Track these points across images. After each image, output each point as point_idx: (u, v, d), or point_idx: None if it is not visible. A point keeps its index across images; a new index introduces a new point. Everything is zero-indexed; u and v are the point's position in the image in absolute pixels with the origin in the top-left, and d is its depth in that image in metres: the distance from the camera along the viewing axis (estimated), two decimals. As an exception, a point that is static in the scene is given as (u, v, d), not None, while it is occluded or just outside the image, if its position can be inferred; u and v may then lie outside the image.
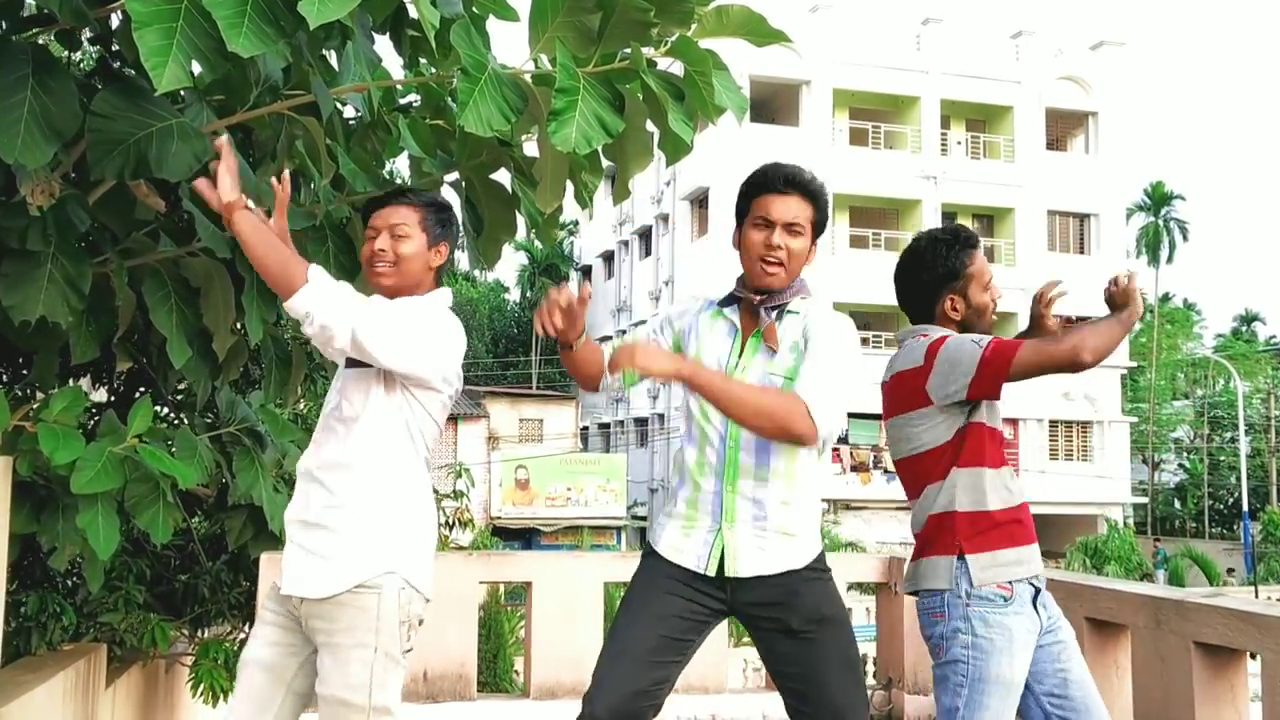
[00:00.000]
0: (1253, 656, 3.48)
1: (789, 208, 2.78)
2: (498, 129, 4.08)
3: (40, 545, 5.38)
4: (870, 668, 11.79)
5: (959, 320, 2.95)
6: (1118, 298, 2.82)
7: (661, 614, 2.68)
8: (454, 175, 5.17)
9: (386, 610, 2.52)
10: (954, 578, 2.73)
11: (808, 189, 2.82)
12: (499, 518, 30.09)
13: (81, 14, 3.65)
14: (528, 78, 4.39)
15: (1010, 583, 2.75)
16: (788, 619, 2.69)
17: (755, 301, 2.79)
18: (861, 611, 17.38)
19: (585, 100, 4.19)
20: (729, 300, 2.88)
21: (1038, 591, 2.81)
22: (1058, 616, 2.83)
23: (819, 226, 2.84)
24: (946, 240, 2.98)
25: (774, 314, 2.78)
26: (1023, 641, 2.73)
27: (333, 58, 4.85)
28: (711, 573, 2.69)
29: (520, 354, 45.71)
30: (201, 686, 7.24)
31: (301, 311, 2.51)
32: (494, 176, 5.24)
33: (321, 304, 2.50)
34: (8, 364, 6.29)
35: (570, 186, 4.89)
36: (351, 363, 2.63)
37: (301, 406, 7.81)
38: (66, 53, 6.01)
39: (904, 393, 2.89)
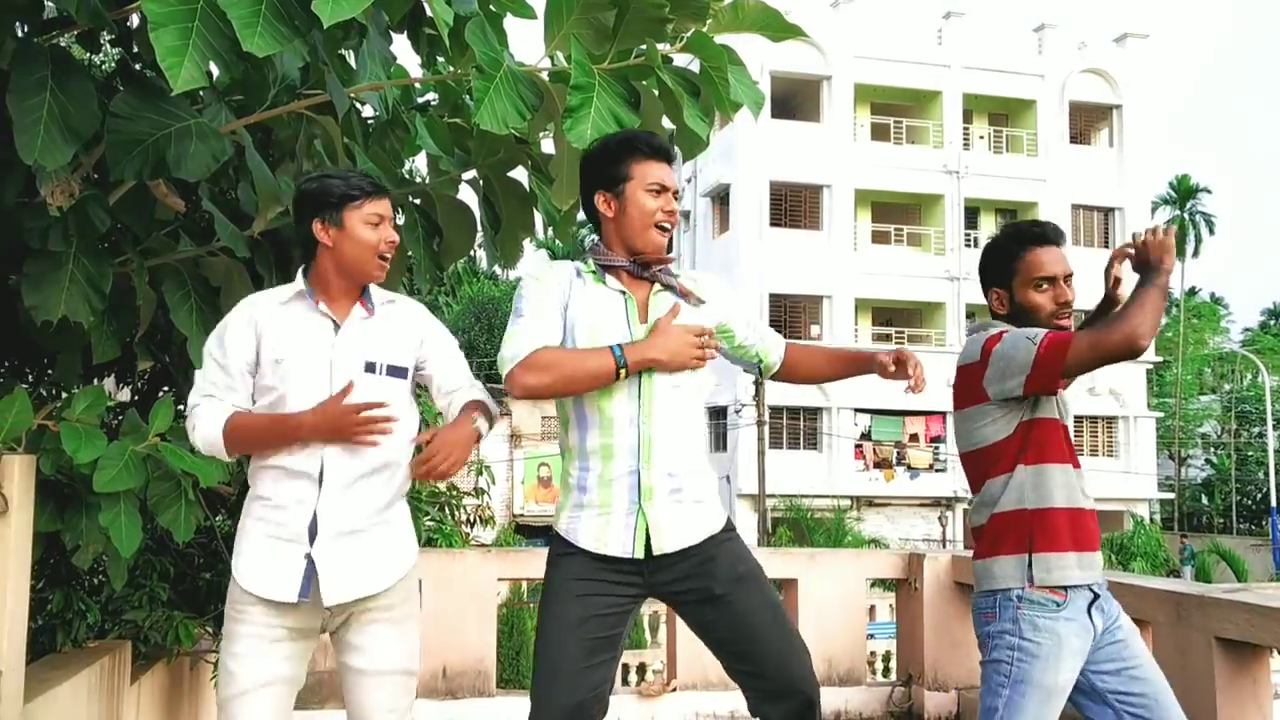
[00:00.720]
0: (1275, 652, 3.46)
1: (672, 175, 2.87)
2: (513, 126, 4.09)
3: (64, 543, 5.43)
4: (891, 664, 11.78)
5: (1005, 315, 2.93)
6: (1152, 251, 2.72)
7: (582, 618, 2.62)
8: (471, 173, 5.19)
9: (416, 582, 2.77)
10: (1009, 578, 2.72)
11: (674, 156, 2.94)
12: (521, 515, 30.17)
13: (99, 15, 3.67)
14: (544, 75, 4.40)
15: (1066, 587, 2.73)
16: (709, 585, 2.66)
17: (651, 264, 2.77)
18: (885, 608, 17.32)
19: (600, 97, 4.19)
20: (602, 269, 2.80)
21: (1096, 597, 2.78)
22: (1117, 614, 2.80)
23: None
24: (1004, 234, 3.00)
25: (670, 274, 2.82)
26: (1072, 648, 2.70)
27: (350, 57, 4.87)
28: (640, 555, 2.63)
29: (542, 352, 45.73)
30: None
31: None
32: (511, 174, 5.26)
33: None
34: (32, 364, 6.35)
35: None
36: (392, 370, 2.63)
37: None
38: (88, 55, 6.07)
39: (965, 388, 2.87)
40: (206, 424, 2.57)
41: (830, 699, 5.17)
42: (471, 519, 11.03)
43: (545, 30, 4.27)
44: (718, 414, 34.09)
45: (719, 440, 34.29)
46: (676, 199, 2.83)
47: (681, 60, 4.52)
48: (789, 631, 2.72)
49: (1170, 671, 3.40)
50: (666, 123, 4.47)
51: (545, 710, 2.58)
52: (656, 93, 4.40)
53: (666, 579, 2.67)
